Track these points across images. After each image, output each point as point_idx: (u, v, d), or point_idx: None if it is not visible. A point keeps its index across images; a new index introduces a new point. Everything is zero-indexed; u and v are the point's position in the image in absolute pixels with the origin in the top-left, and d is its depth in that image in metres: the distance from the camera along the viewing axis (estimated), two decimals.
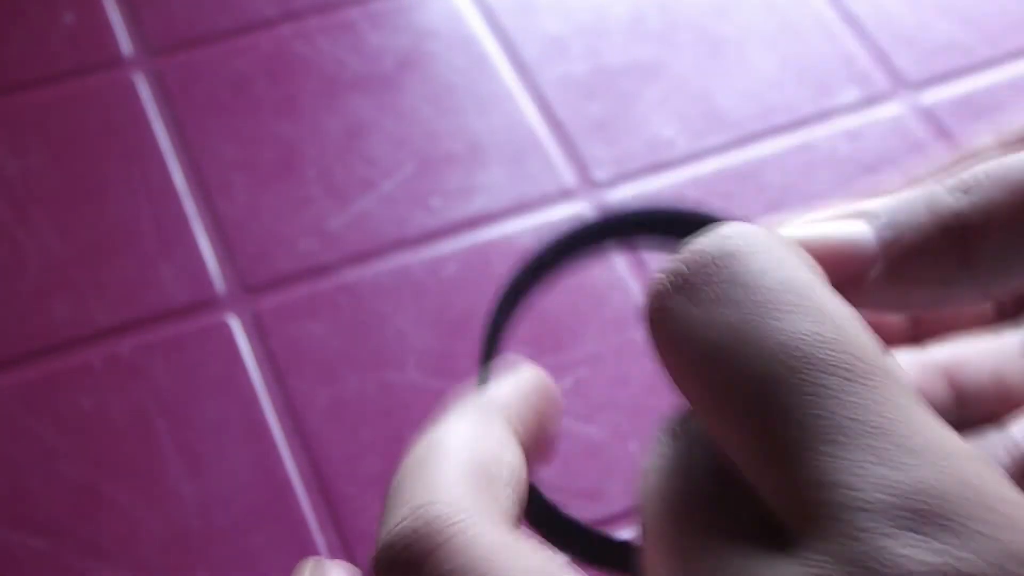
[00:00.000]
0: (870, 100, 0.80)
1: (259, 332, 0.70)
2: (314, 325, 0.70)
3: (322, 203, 0.75)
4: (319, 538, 0.63)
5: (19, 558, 0.62)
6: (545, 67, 0.81)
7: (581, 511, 0.68)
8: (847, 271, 0.25)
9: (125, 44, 0.82)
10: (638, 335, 0.70)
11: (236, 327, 0.70)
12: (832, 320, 0.22)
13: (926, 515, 0.19)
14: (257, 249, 0.73)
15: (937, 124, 0.79)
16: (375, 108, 0.79)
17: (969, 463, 0.20)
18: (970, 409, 0.30)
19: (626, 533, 0.27)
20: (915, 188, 0.26)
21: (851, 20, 0.84)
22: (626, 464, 0.64)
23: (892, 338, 0.31)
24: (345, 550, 0.63)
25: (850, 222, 0.26)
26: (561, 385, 0.68)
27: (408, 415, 0.67)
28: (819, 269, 0.24)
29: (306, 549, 0.63)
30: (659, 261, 0.25)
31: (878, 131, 0.79)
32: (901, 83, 0.81)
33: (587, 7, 0.85)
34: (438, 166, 0.77)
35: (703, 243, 0.24)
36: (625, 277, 0.72)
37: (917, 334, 0.31)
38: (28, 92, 0.80)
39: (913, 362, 0.31)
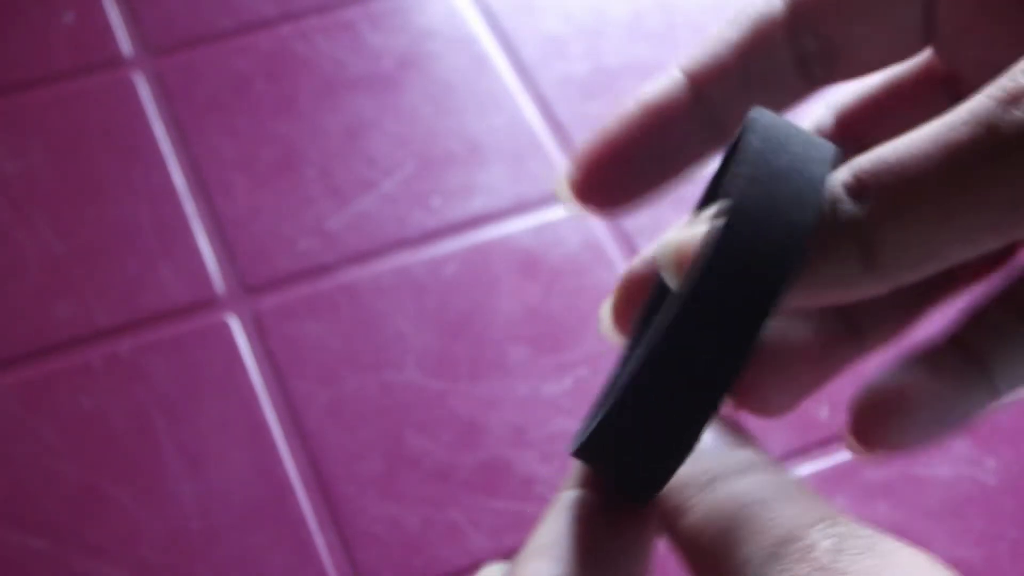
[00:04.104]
0: None
1: (259, 332, 0.70)
2: (314, 325, 0.70)
3: (322, 203, 0.75)
4: (319, 538, 0.63)
5: (19, 558, 0.62)
6: (545, 67, 0.81)
7: None
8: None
9: (125, 44, 0.82)
10: None
11: (236, 327, 0.70)
12: None
13: None
14: (257, 249, 0.73)
15: None
16: (375, 108, 0.79)
17: None
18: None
19: None
20: None
21: None
22: None
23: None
24: (345, 550, 0.63)
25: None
26: (561, 385, 0.68)
27: (408, 415, 0.67)
28: None
29: (306, 549, 0.63)
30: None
31: None
32: None
33: (587, 7, 0.85)
34: (438, 166, 0.77)
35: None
36: None
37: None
38: (28, 92, 0.80)
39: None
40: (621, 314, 0.30)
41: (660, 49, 0.83)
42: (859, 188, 0.24)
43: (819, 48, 0.29)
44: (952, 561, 0.62)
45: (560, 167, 0.77)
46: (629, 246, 0.73)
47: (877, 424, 0.27)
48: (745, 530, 0.24)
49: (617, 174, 0.30)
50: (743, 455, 0.26)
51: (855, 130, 0.30)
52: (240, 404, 0.67)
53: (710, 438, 0.26)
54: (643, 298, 0.30)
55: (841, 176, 0.24)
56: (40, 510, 0.64)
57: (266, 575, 0.62)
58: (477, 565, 0.63)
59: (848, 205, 0.24)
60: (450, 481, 0.65)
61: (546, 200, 0.75)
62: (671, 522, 0.26)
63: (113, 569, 0.62)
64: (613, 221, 0.74)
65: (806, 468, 0.65)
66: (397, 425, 0.67)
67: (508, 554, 0.63)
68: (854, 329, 0.29)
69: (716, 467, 0.25)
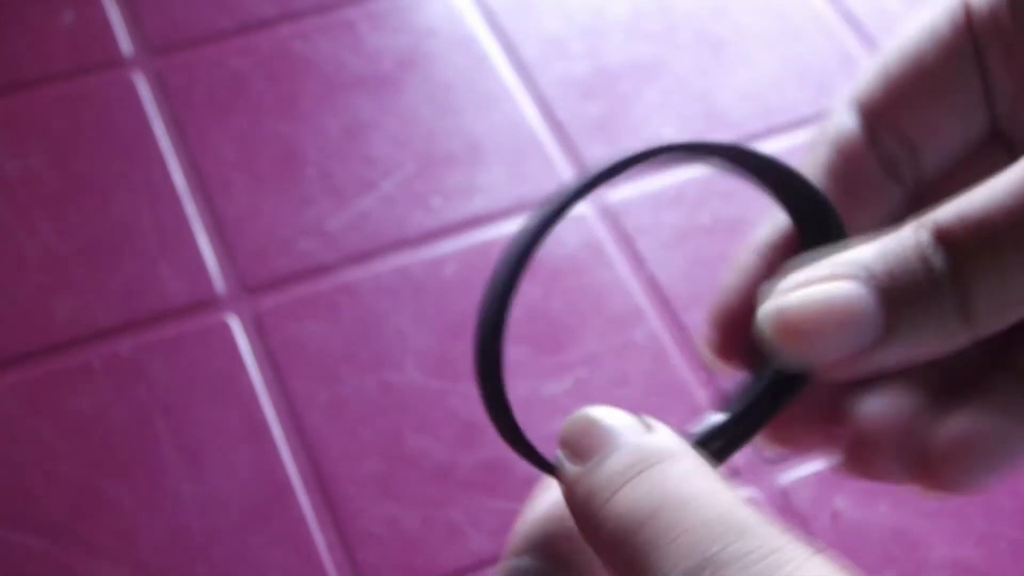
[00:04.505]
0: None
1: (259, 332, 0.70)
2: (314, 325, 0.70)
3: (322, 203, 0.75)
4: (319, 538, 0.63)
5: (19, 558, 0.62)
6: (545, 67, 0.81)
7: None
8: (851, 340, 0.26)
9: (125, 44, 0.82)
10: (638, 335, 0.70)
11: (236, 327, 0.70)
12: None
13: None
14: (257, 249, 0.73)
15: None
16: (375, 108, 0.79)
17: None
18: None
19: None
20: (895, 234, 0.26)
21: (851, 20, 0.84)
22: None
23: None
24: (345, 550, 0.63)
25: (840, 284, 0.26)
26: (561, 385, 0.68)
27: (408, 415, 0.67)
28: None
29: (306, 549, 0.63)
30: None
31: None
32: None
33: (587, 7, 0.85)
34: (438, 166, 0.77)
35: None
36: (625, 277, 0.72)
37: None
38: (28, 92, 0.80)
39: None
40: (721, 348, 0.31)
41: (660, 49, 0.83)
42: (947, 241, 0.25)
43: (901, 149, 0.30)
44: (952, 561, 0.62)
45: (560, 167, 0.77)
46: (629, 246, 0.73)
47: (952, 470, 0.27)
48: (658, 547, 0.24)
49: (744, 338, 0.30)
50: (659, 440, 0.26)
51: (884, 119, 0.30)
52: (240, 404, 0.67)
53: (625, 423, 0.26)
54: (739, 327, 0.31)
55: (920, 235, 0.25)
56: (40, 510, 0.64)
57: (266, 575, 0.62)
58: (477, 565, 0.63)
59: (939, 260, 0.25)
60: (450, 481, 0.65)
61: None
62: (586, 513, 0.25)
63: (113, 569, 0.62)
64: (613, 221, 0.74)
65: (806, 468, 0.65)
66: (397, 425, 0.67)
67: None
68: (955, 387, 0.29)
69: (634, 455, 0.25)
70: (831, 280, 0.26)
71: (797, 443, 0.30)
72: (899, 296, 0.25)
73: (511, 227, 0.74)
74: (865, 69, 0.30)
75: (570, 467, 0.26)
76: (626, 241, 0.73)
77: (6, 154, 0.76)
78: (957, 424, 0.27)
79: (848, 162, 0.30)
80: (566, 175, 0.76)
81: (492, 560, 0.62)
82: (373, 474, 0.65)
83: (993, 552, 0.63)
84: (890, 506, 0.64)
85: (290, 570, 0.62)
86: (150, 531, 0.63)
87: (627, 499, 0.24)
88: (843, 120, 0.30)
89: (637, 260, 0.72)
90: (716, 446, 0.29)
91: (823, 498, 0.64)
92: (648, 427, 0.26)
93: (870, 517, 0.64)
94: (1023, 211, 0.25)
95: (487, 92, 0.80)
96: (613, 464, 0.25)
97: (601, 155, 0.77)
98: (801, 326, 0.26)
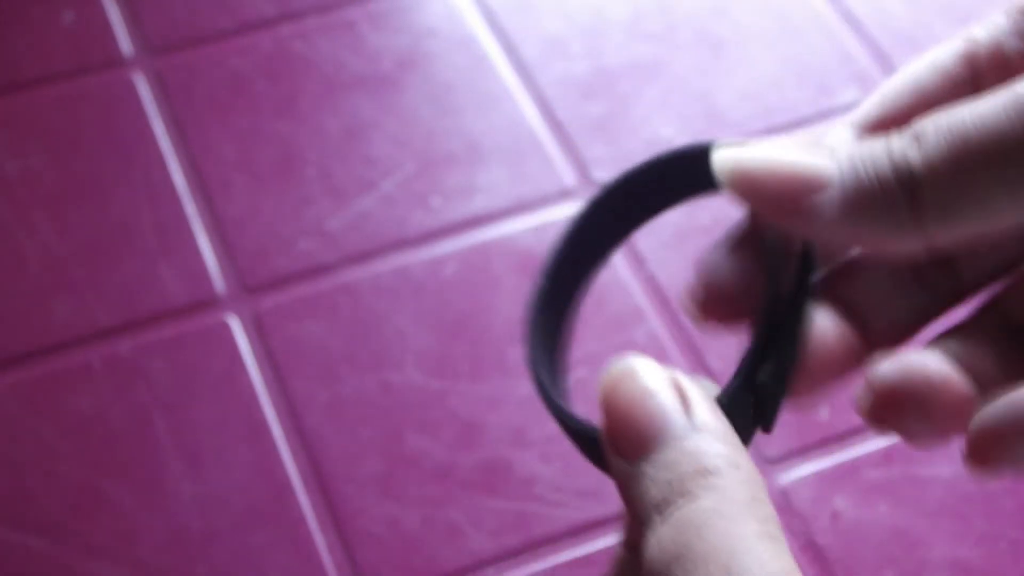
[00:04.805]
0: None
1: (259, 332, 0.70)
2: (314, 325, 0.70)
3: (322, 203, 0.75)
4: (319, 538, 0.63)
5: (19, 558, 0.62)
6: (545, 67, 0.81)
7: (581, 511, 0.68)
8: (800, 196, 0.27)
9: (125, 44, 0.82)
10: (638, 335, 0.70)
11: (236, 327, 0.70)
12: None
13: None
14: (257, 249, 0.73)
15: None
16: (375, 108, 0.79)
17: None
18: None
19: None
20: (878, 137, 0.27)
21: (851, 20, 0.84)
22: None
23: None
24: (345, 550, 0.63)
25: (814, 153, 0.27)
26: None
27: (408, 415, 0.67)
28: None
29: (306, 549, 0.63)
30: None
31: None
32: None
33: (587, 7, 0.85)
34: (438, 166, 0.77)
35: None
36: (625, 277, 0.72)
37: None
38: (28, 92, 0.80)
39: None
40: (705, 304, 0.32)
41: (660, 49, 0.83)
42: (918, 139, 0.26)
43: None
44: (952, 561, 0.62)
45: (560, 167, 0.77)
46: (629, 246, 0.73)
47: (996, 447, 0.28)
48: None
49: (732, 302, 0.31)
50: (704, 445, 0.26)
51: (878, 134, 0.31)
52: (240, 404, 0.67)
53: (668, 406, 0.27)
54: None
55: (893, 138, 0.26)
56: (40, 510, 0.64)
57: (266, 575, 0.62)
58: (477, 565, 0.63)
59: (904, 154, 0.26)
60: (450, 481, 0.65)
61: (546, 200, 0.75)
62: (636, 537, 0.26)
63: (113, 569, 0.62)
64: None
65: (806, 468, 0.65)
66: (397, 425, 0.67)
67: (508, 554, 0.63)
68: (866, 330, 0.30)
69: (678, 466, 0.26)
70: (802, 148, 0.28)
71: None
72: (860, 176, 0.26)
73: (511, 227, 0.74)
74: (865, 100, 0.31)
75: (616, 461, 0.27)
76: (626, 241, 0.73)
77: (6, 154, 0.76)
78: None
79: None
80: (566, 175, 0.76)
81: (492, 560, 0.63)
82: (373, 474, 0.65)
83: (993, 552, 0.63)
84: (890, 506, 0.64)
85: (290, 570, 0.62)
86: (150, 531, 0.63)
87: (663, 538, 0.25)
88: (838, 133, 0.30)
89: (637, 260, 0.72)
90: (766, 375, 0.29)
91: (823, 498, 0.64)
92: (690, 411, 0.26)
93: (870, 517, 0.64)
94: (1002, 127, 0.25)
95: (487, 92, 0.80)
96: (659, 476, 0.26)
97: (601, 155, 0.77)
98: (755, 173, 0.27)
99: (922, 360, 0.28)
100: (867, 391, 0.28)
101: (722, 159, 0.28)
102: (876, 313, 0.30)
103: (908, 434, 0.28)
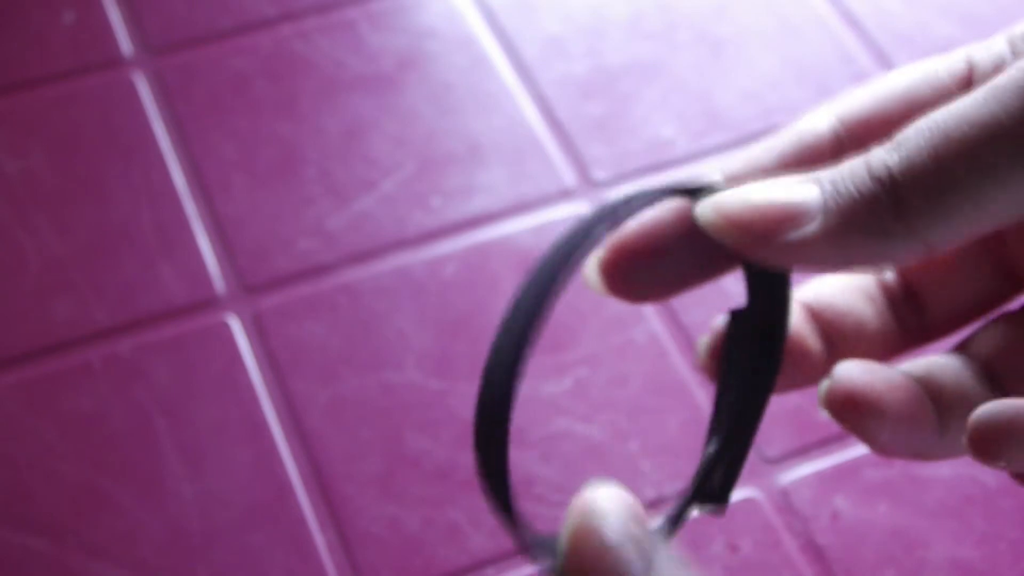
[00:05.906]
0: None
1: (259, 332, 0.70)
2: (314, 325, 0.70)
3: (322, 203, 0.75)
4: (319, 538, 0.63)
5: (19, 558, 0.62)
6: (545, 67, 0.81)
7: None
8: (786, 229, 0.27)
9: (125, 44, 0.82)
10: (638, 335, 0.70)
11: (236, 327, 0.70)
12: None
13: None
14: (257, 249, 0.73)
15: None
16: (375, 108, 0.79)
17: None
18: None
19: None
20: (860, 155, 0.27)
21: (851, 20, 0.84)
22: (626, 464, 0.64)
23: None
24: (345, 550, 0.63)
25: (796, 185, 0.27)
26: (561, 385, 0.68)
27: (408, 415, 0.67)
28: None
29: (306, 549, 0.63)
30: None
31: None
32: None
33: (587, 7, 0.85)
34: (438, 166, 0.77)
35: None
36: None
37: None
38: (28, 92, 0.80)
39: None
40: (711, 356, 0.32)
41: (660, 49, 0.83)
42: (897, 144, 0.26)
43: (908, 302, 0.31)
44: (952, 561, 0.62)
45: (560, 167, 0.77)
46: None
47: (998, 441, 0.28)
48: None
49: (643, 271, 0.32)
50: None
51: (864, 141, 0.30)
52: (240, 404, 0.67)
53: (626, 548, 0.27)
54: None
55: (872, 151, 0.26)
56: (40, 510, 0.64)
57: (266, 575, 0.62)
58: (477, 565, 0.63)
59: (884, 163, 0.25)
60: (450, 481, 0.65)
61: (546, 200, 0.75)
62: None
63: (113, 569, 0.62)
64: (612, 221, 0.74)
65: (806, 468, 0.65)
66: (397, 425, 0.67)
67: (508, 554, 0.63)
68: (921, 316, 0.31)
69: None
70: (789, 184, 0.28)
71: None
72: (841, 194, 0.26)
73: (511, 227, 0.74)
74: (855, 91, 0.31)
75: None
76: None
77: (6, 154, 0.76)
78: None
79: (807, 151, 0.30)
80: (566, 175, 0.76)
81: (492, 560, 0.63)
82: (373, 474, 0.65)
83: (993, 552, 0.63)
84: (890, 506, 0.64)
85: (290, 570, 0.62)
86: (150, 531, 0.63)
87: None
88: (816, 118, 0.30)
89: None
90: (719, 476, 0.29)
91: (823, 498, 0.64)
92: (645, 550, 0.26)
93: (870, 517, 0.64)
94: (983, 118, 0.25)
95: (487, 92, 0.80)
96: None
97: (601, 155, 0.77)
98: (740, 214, 0.27)
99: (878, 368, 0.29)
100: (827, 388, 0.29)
101: (703, 209, 0.28)
102: (933, 300, 0.31)
103: (867, 436, 0.29)
